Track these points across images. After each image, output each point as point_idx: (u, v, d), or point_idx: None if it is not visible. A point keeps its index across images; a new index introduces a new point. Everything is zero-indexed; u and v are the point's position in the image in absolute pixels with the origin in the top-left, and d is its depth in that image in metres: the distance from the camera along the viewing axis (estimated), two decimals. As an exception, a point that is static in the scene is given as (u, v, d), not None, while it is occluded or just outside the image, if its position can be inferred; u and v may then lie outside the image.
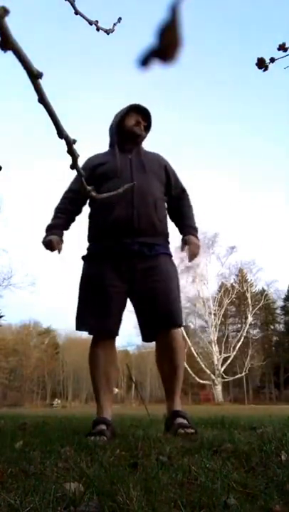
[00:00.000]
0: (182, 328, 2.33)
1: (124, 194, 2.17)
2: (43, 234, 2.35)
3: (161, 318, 2.19)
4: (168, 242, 2.37)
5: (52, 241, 2.28)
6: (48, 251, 2.29)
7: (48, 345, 49.38)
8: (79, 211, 2.45)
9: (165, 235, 2.34)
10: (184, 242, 2.39)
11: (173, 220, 2.47)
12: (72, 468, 1.12)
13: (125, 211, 2.18)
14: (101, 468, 1.10)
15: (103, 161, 2.35)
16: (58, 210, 2.41)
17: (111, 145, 2.44)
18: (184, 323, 2.33)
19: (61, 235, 2.36)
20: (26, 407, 30.46)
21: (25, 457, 1.31)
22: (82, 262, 2.36)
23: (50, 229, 2.35)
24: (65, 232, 2.40)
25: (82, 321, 2.24)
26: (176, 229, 2.49)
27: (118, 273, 2.20)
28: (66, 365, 47.00)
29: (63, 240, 2.37)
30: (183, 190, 2.50)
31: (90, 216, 2.38)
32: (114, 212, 2.18)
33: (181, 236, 2.45)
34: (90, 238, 2.35)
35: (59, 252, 2.33)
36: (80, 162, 0.53)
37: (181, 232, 2.45)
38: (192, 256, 2.36)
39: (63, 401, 43.98)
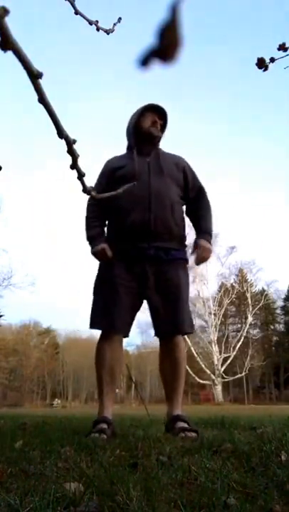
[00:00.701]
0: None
1: (141, 198, 2.19)
2: (88, 246, 2.35)
3: (166, 325, 2.21)
4: (185, 246, 2.36)
5: (105, 249, 2.27)
6: (100, 259, 2.31)
7: (48, 345, 49.38)
8: (107, 214, 2.42)
9: (181, 238, 2.34)
10: (195, 246, 2.36)
11: (191, 221, 2.46)
12: (72, 468, 1.11)
13: (142, 215, 2.18)
14: (101, 468, 1.10)
15: (122, 164, 2.35)
16: (90, 220, 2.40)
17: (129, 147, 2.43)
18: (191, 330, 2.30)
19: (106, 242, 2.34)
20: (26, 407, 30.46)
21: (25, 457, 1.31)
22: (97, 263, 2.37)
23: (93, 240, 2.34)
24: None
25: (96, 320, 2.26)
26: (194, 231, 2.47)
27: (132, 275, 2.22)
28: (66, 365, 47.00)
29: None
30: (200, 189, 2.46)
31: (109, 219, 2.38)
32: (131, 216, 2.19)
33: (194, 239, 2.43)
34: (107, 241, 2.35)
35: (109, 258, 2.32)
36: (81, 162, 0.53)
37: (196, 234, 2.43)
38: (201, 259, 2.32)
39: (63, 401, 43.95)
